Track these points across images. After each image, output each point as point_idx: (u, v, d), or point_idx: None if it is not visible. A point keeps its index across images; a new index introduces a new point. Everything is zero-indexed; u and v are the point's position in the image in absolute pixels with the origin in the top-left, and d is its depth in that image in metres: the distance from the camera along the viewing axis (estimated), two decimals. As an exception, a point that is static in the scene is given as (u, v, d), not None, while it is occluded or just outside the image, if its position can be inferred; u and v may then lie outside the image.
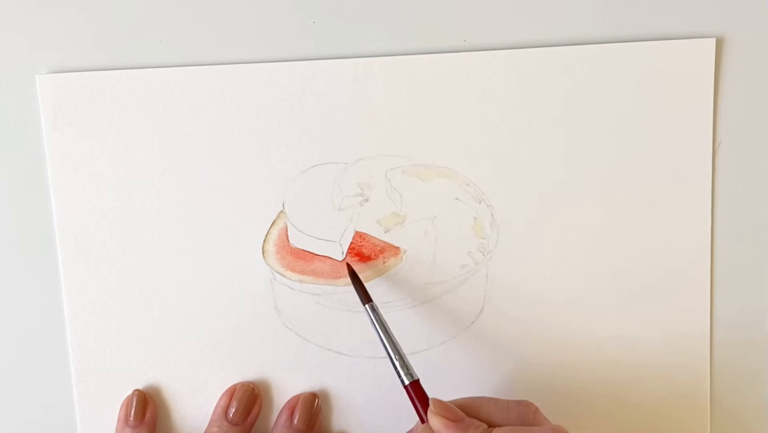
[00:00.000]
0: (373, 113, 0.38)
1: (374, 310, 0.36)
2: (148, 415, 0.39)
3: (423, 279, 0.39)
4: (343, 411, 0.40)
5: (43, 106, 0.38)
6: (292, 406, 0.39)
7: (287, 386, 0.40)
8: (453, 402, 0.34)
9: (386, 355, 0.35)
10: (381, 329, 0.36)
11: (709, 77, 0.38)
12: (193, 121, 0.38)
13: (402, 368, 0.35)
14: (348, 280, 0.39)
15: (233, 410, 0.39)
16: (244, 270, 0.39)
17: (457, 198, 0.39)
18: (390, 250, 0.39)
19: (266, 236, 0.39)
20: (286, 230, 0.39)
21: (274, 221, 0.39)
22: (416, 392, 0.34)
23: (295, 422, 0.39)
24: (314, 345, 0.40)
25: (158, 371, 0.40)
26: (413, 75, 0.38)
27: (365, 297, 0.37)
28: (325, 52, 0.38)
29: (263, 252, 0.39)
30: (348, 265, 0.38)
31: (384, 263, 0.39)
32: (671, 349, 0.40)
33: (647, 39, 0.38)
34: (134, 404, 0.39)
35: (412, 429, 0.37)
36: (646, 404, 0.40)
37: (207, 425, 0.39)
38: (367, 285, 0.39)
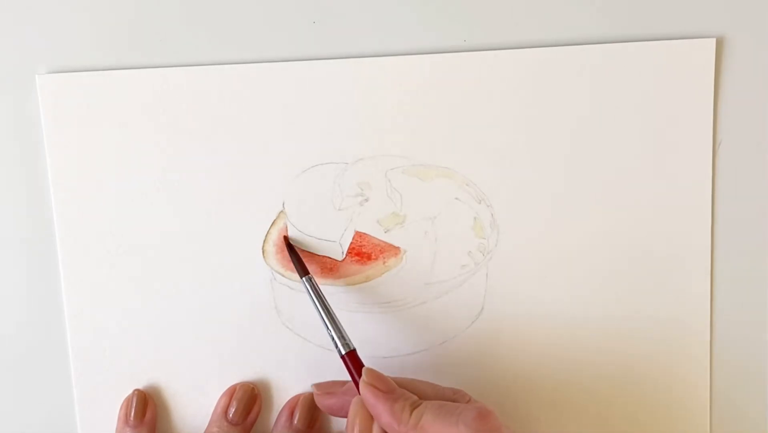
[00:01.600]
0: (373, 113, 0.38)
1: (311, 282, 0.37)
2: (148, 415, 0.39)
3: (423, 279, 0.39)
4: (343, 411, 0.40)
5: (43, 106, 0.38)
6: (292, 406, 0.39)
7: (287, 386, 0.40)
8: (388, 378, 0.34)
9: (326, 328, 0.36)
10: (318, 300, 0.36)
11: (709, 77, 0.38)
12: (193, 121, 0.38)
13: (339, 338, 0.35)
14: (349, 280, 0.39)
15: (233, 410, 0.39)
16: (244, 270, 0.39)
17: (457, 198, 0.39)
18: (390, 250, 0.39)
19: (266, 236, 0.39)
20: (286, 230, 0.39)
21: (274, 221, 0.39)
22: (353, 362, 0.35)
23: (295, 422, 0.39)
24: (314, 345, 0.40)
25: (158, 371, 0.40)
26: (413, 75, 0.38)
27: (303, 270, 0.37)
28: (325, 52, 0.38)
29: (263, 252, 0.39)
30: (285, 237, 0.39)
31: (384, 263, 0.39)
32: (671, 348, 0.40)
33: (647, 39, 0.38)
34: (134, 404, 0.39)
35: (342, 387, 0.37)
36: (647, 403, 0.40)
37: (207, 425, 0.39)
38: (367, 285, 0.39)
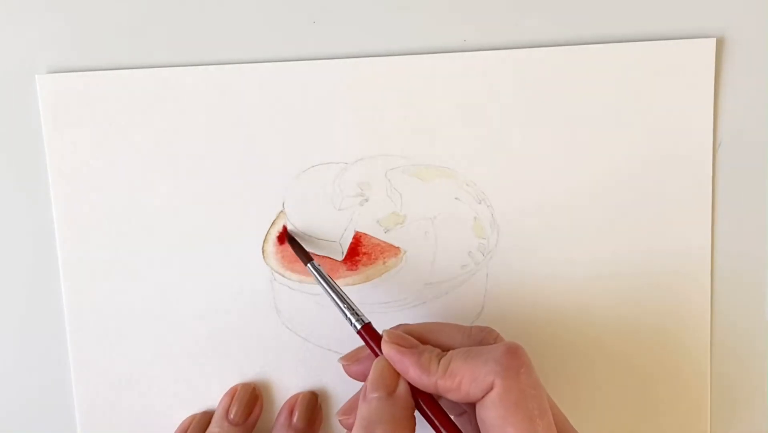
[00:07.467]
0: (373, 113, 0.38)
1: (316, 268, 0.36)
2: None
3: (423, 279, 0.39)
4: (343, 411, 0.40)
5: (43, 106, 0.38)
6: (291, 405, 0.39)
7: (287, 386, 0.40)
8: (414, 326, 0.34)
9: (338, 307, 0.35)
10: (326, 283, 0.36)
11: (709, 77, 0.38)
12: (193, 121, 0.38)
13: (352, 315, 0.35)
14: (349, 280, 0.39)
15: (234, 410, 0.39)
16: (244, 270, 0.39)
17: (457, 198, 0.39)
18: (390, 250, 0.39)
19: (266, 236, 0.39)
20: (286, 230, 0.39)
21: (274, 221, 0.39)
22: (370, 335, 0.34)
23: (295, 421, 0.39)
24: (314, 345, 0.40)
25: (158, 371, 0.40)
26: (413, 75, 0.38)
27: (306, 257, 0.37)
28: (325, 52, 0.38)
29: (263, 252, 0.39)
30: (284, 227, 0.39)
31: (384, 263, 0.39)
32: (672, 348, 0.40)
33: (647, 39, 0.38)
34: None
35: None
36: (648, 402, 0.40)
37: (209, 426, 0.39)
38: (367, 285, 0.39)
